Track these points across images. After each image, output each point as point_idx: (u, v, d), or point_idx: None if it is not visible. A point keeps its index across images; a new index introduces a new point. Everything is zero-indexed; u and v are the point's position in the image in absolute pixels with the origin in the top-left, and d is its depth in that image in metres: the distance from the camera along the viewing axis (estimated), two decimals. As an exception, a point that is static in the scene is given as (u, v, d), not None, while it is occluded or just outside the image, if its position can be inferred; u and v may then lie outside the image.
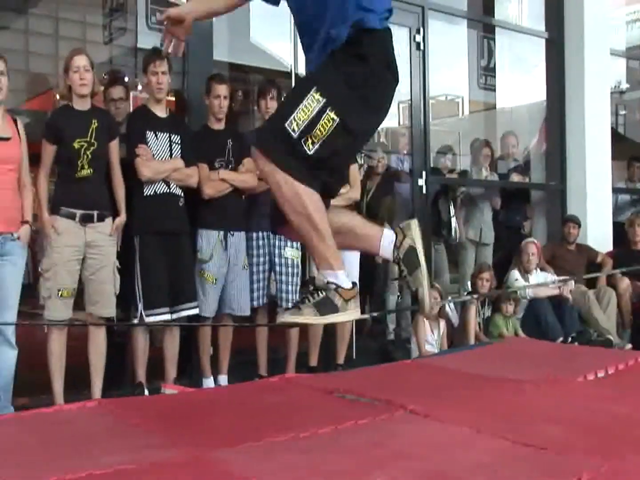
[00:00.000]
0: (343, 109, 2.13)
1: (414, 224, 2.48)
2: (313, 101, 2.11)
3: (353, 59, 2.19)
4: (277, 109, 2.35)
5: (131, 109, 5.15)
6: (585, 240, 6.68)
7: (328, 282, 2.24)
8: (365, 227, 2.48)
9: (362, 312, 2.72)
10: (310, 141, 2.11)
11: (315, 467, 2.08)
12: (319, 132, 2.10)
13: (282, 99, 4.34)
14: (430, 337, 5.20)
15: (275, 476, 1.98)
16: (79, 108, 4.02)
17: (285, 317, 2.28)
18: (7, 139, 3.81)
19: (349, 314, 2.27)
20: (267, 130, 2.39)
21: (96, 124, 3.99)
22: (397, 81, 2.32)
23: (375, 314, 6.11)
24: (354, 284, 2.30)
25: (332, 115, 2.11)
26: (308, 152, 2.11)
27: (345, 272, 2.28)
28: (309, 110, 2.10)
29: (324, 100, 2.11)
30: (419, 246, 2.44)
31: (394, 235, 2.44)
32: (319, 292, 2.24)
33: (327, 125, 2.11)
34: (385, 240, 2.43)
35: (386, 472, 2.00)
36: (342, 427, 2.48)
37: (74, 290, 3.95)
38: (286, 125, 2.11)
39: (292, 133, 2.10)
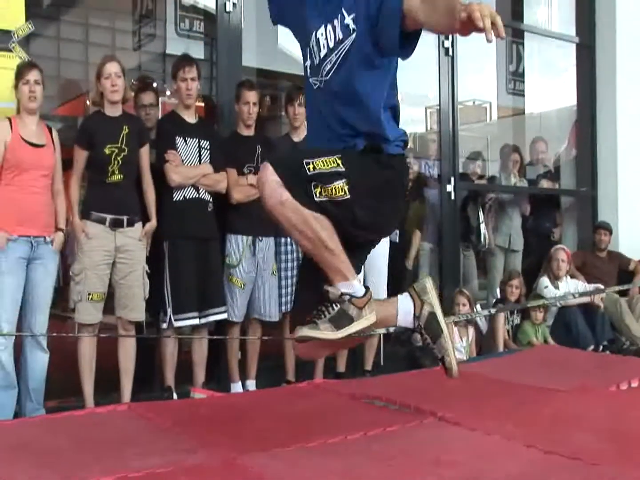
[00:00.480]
0: (354, 190, 2.17)
1: (429, 284, 2.47)
2: (335, 162, 2.16)
3: (374, 162, 2.28)
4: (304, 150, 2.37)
5: (160, 115, 5.19)
6: (617, 247, 6.61)
7: (342, 294, 2.22)
8: (381, 304, 2.45)
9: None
10: (319, 190, 2.14)
11: (345, 473, 2.08)
12: (329, 190, 2.14)
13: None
14: (459, 344, 5.17)
15: (306, 482, 1.99)
16: (110, 114, 4.05)
17: (303, 332, 2.22)
18: (42, 146, 3.84)
19: (365, 320, 2.23)
20: (287, 156, 2.46)
21: (127, 130, 4.01)
22: (404, 201, 2.46)
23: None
24: (366, 288, 2.28)
25: (345, 187, 2.16)
26: (315, 197, 2.14)
27: (358, 279, 2.28)
28: (328, 165, 2.15)
29: (344, 170, 2.17)
30: (438, 311, 2.43)
31: (411, 304, 2.42)
32: (333, 305, 2.23)
33: (336, 191, 2.15)
34: (401, 312, 2.43)
35: (420, 479, 2.01)
36: (371, 434, 2.49)
37: (104, 294, 3.98)
38: (304, 161, 2.15)
39: (307, 171, 2.13)
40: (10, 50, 4.04)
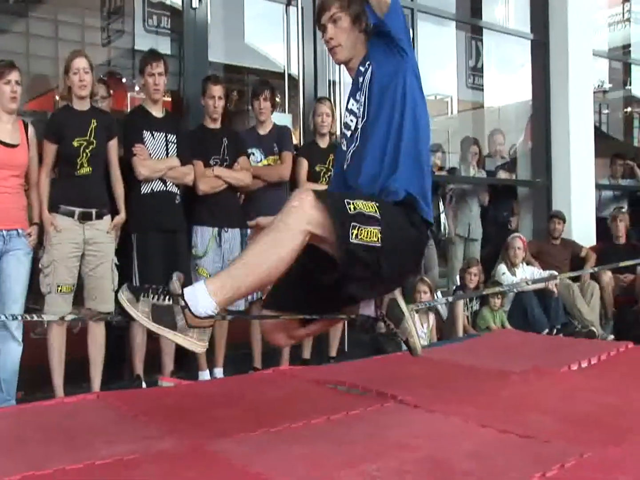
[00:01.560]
0: (385, 241, 2.09)
1: None
2: (373, 207, 2.10)
3: (407, 219, 2.23)
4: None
5: (129, 109, 5.15)
6: (569, 235, 6.70)
7: (182, 298, 1.97)
8: None
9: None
10: (357, 232, 2.04)
11: (310, 457, 2.08)
12: (364, 232, 2.05)
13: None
14: (420, 330, 5.21)
15: (272, 466, 1.99)
16: (78, 108, 4.01)
17: (121, 295, 1.98)
18: (15, 146, 3.82)
19: (188, 341, 1.96)
20: (330, 192, 2.41)
21: (95, 124, 3.99)
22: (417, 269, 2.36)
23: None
24: (210, 317, 1.99)
25: (379, 234, 2.07)
26: (350, 238, 2.03)
27: (215, 309, 1.98)
28: (366, 208, 2.07)
29: (379, 217, 2.09)
30: (398, 296, 2.40)
31: None
32: (166, 297, 1.98)
33: (371, 236, 2.06)
34: (363, 303, 2.40)
35: (379, 461, 2.01)
36: (334, 418, 2.49)
37: (73, 286, 3.95)
38: (346, 201, 2.07)
39: (349, 210, 2.05)
40: (-23, 48, 3.99)
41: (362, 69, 2.38)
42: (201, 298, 1.95)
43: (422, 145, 2.34)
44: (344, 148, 2.48)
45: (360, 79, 2.38)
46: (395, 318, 2.39)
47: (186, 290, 1.98)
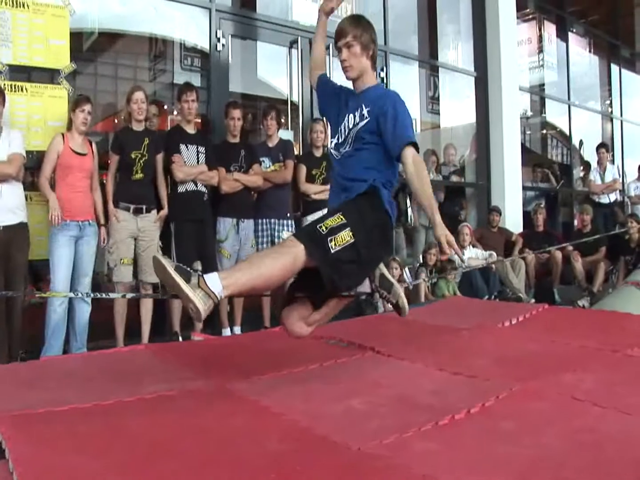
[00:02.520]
0: (356, 234, 2.07)
1: None
2: (339, 218, 2.08)
3: (369, 206, 2.19)
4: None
5: (169, 128, 5.12)
6: (504, 224, 6.68)
7: (198, 273, 1.92)
8: None
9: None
10: (333, 243, 2.03)
11: (307, 394, 2.07)
12: (339, 240, 2.04)
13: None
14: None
15: (278, 401, 1.97)
16: (135, 129, 4.02)
17: (158, 255, 1.94)
18: (84, 155, 3.83)
19: (194, 295, 1.85)
20: (306, 228, 2.34)
21: (147, 141, 4.00)
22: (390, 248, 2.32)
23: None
24: (216, 296, 1.89)
25: (350, 233, 2.06)
26: (331, 250, 2.02)
27: (221, 291, 1.90)
28: (334, 222, 2.07)
29: (345, 221, 2.08)
30: (385, 271, 2.40)
31: None
32: (187, 267, 1.94)
33: (344, 239, 2.05)
34: None
35: (360, 397, 2.00)
36: (326, 364, 2.48)
37: (132, 259, 3.96)
38: (317, 227, 2.07)
39: (322, 231, 2.05)
40: (59, 84, 4.04)
41: (363, 107, 2.28)
42: (213, 278, 1.90)
43: (389, 180, 2.30)
44: (335, 150, 2.39)
45: (356, 113, 2.29)
46: (386, 287, 2.39)
47: (211, 276, 1.92)
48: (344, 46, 2.31)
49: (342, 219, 2.08)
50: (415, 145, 2.18)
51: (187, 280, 1.87)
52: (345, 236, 2.05)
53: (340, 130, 2.35)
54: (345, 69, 2.34)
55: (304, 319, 2.25)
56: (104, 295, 3.20)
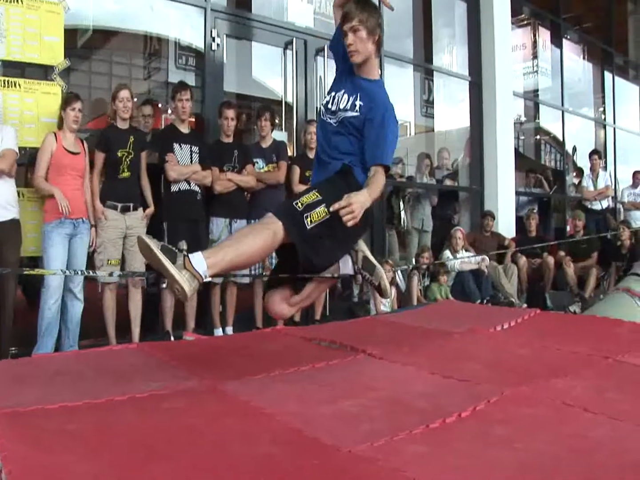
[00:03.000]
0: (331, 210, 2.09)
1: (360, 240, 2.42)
2: (314, 195, 2.14)
3: (345, 185, 2.20)
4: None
5: (163, 127, 5.11)
6: (496, 229, 6.72)
7: (184, 253, 1.92)
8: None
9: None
10: (309, 219, 2.08)
11: (298, 395, 2.07)
12: (315, 216, 2.09)
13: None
14: (384, 300, 5.21)
15: (269, 402, 1.97)
16: (121, 127, 4.02)
17: (143, 236, 1.97)
18: (77, 154, 3.83)
19: (180, 276, 1.87)
20: (283, 204, 2.36)
21: (133, 139, 4.01)
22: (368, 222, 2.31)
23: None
24: (201, 276, 1.92)
25: (325, 209, 2.10)
26: (307, 225, 2.08)
27: (206, 270, 1.93)
28: (309, 199, 2.12)
29: (322, 198, 2.13)
30: (368, 253, 2.41)
31: (348, 255, 2.37)
32: (173, 247, 1.95)
33: (320, 215, 2.10)
34: (342, 262, 2.37)
35: (352, 399, 2.00)
36: (317, 366, 2.47)
37: (119, 260, 3.98)
38: (293, 203, 2.12)
39: (298, 208, 2.10)
40: (52, 80, 4.02)
41: (358, 98, 2.29)
42: (198, 257, 1.93)
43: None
44: (324, 110, 2.39)
45: (350, 99, 2.30)
46: (369, 269, 2.40)
47: (196, 256, 1.94)
48: (350, 30, 2.28)
49: (317, 195, 2.13)
50: (387, 169, 2.22)
51: (173, 261, 1.89)
52: (321, 212, 2.10)
53: (334, 98, 2.35)
54: (350, 53, 2.31)
55: (286, 300, 2.31)
56: (92, 274, 3.25)
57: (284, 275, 2.30)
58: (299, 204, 2.10)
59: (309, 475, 1.46)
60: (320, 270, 2.28)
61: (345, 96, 2.31)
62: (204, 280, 1.94)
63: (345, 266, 2.37)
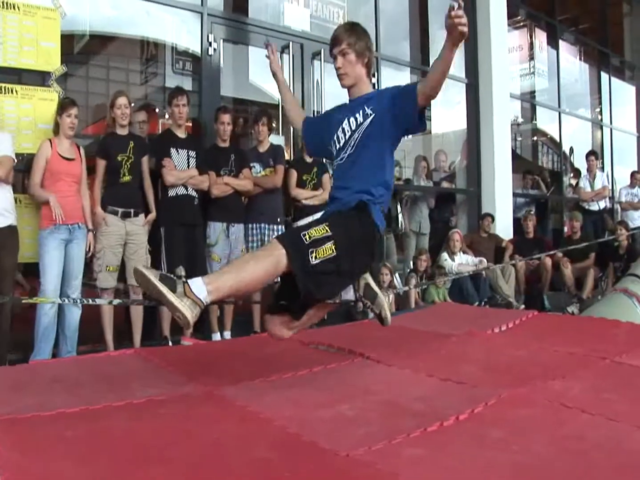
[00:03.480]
0: (339, 247, 2.06)
1: None
2: (324, 229, 2.06)
3: (357, 221, 2.17)
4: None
5: (160, 132, 5.12)
6: (494, 230, 6.72)
7: (183, 280, 1.89)
8: None
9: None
10: (314, 255, 2.01)
11: (297, 400, 2.07)
12: (321, 252, 2.02)
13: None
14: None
15: (267, 407, 1.97)
16: (120, 133, 4.04)
17: (140, 267, 1.92)
18: (72, 160, 3.82)
19: (181, 304, 1.84)
20: (290, 231, 2.35)
21: (132, 144, 4.01)
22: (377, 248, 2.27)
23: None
24: (202, 302, 1.89)
25: (332, 247, 2.04)
26: (311, 261, 2.00)
27: (207, 296, 1.89)
28: (318, 233, 2.04)
29: (331, 234, 2.06)
30: (370, 281, 2.34)
31: None
32: (171, 275, 1.92)
33: (327, 252, 2.03)
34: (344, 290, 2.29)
35: (349, 403, 2.00)
36: (315, 370, 2.48)
37: (117, 266, 3.97)
38: (301, 234, 2.04)
39: (305, 241, 2.02)
40: (49, 86, 4.02)
41: (365, 107, 2.25)
42: (198, 283, 1.89)
43: (387, 183, 2.29)
44: (337, 158, 2.35)
45: (358, 115, 2.26)
46: (370, 297, 2.33)
47: (196, 281, 1.90)
48: (339, 54, 2.30)
49: (327, 230, 2.06)
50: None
51: (173, 289, 1.86)
52: (328, 249, 2.03)
53: (339, 137, 2.31)
54: (340, 76, 2.32)
55: (285, 324, 2.28)
56: (91, 302, 3.21)
57: (283, 302, 2.25)
58: (307, 237, 2.02)
59: (307, 479, 1.46)
60: (321, 302, 2.25)
61: (351, 120, 2.27)
62: (205, 306, 1.90)
63: (347, 292, 2.32)
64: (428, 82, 2.16)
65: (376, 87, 6.02)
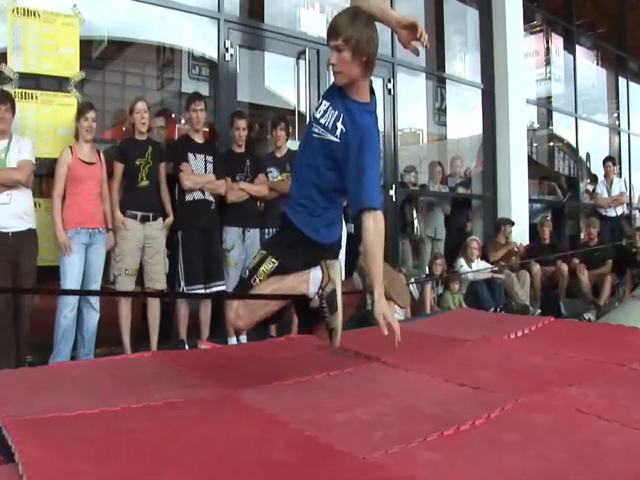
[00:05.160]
0: (280, 257, 2.20)
1: (338, 266, 2.15)
2: (270, 262, 2.20)
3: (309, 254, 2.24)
4: None
5: (176, 137, 5.18)
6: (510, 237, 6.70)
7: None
8: (298, 275, 2.17)
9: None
10: (258, 279, 2.19)
11: (313, 403, 2.08)
12: (261, 273, 2.19)
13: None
14: (398, 308, 5.18)
15: (284, 410, 1.99)
16: (139, 138, 4.10)
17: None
18: (93, 164, 3.89)
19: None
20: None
21: (151, 149, 4.08)
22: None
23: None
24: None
25: (272, 259, 2.20)
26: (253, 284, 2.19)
27: None
28: (267, 268, 2.20)
29: (274, 258, 2.20)
30: (338, 290, 2.10)
31: (320, 274, 2.12)
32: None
33: (267, 267, 2.19)
34: (312, 280, 2.13)
35: (366, 407, 2.01)
36: (332, 374, 2.49)
37: (136, 270, 4.02)
38: (252, 280, 2.21)
39: (244, 276, 2.26)
40: (68, 92, 4.10)
41: (338, 123, 2.10)
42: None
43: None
44: (314, 122, 2.21)
45: (335, 118, 2.11)
46: (330, 306, 2.12)
47: None
48: (334, 48, 2.06)
49: (272, 261, 2.19)
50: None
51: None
52: (269, 265, 2.18)
53: (320, 110, 2.17)
54: (334, 74, 2.13)
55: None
56: (113, 292, 3.31)
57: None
58: (257, 280, 2.20)
59: (323, 482, 1.47)
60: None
61: (331, 111, 2.12)
62: None
63: (316, 284, 2.14)
64: (373, 242, 2.10)
65: (392, 92, 6.04)
